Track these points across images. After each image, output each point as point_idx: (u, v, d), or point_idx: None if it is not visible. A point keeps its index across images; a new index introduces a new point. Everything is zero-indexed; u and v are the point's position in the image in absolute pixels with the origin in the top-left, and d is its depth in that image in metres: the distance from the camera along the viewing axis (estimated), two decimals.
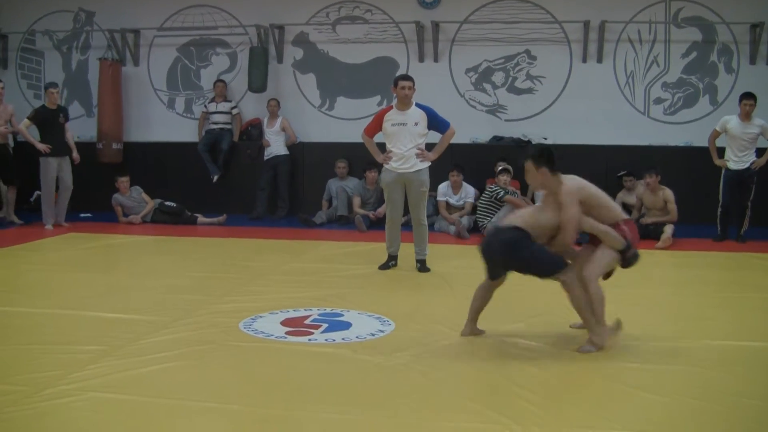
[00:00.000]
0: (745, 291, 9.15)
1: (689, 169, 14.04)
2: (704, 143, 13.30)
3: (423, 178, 9.95)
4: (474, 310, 7.10)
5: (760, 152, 12.71)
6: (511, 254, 6.48)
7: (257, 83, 15.31)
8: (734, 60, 14.75)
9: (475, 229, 13.16)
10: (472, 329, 7.05)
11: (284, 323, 7.47)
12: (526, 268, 6.57)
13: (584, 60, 14.96)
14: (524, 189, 14.09)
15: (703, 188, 13.52)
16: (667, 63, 14.91)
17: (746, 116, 12.52)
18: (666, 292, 9.14)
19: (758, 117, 12.59)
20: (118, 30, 16.06)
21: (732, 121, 12.64)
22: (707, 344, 6.87)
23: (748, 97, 12.51)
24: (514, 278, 6.77)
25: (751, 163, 12.67)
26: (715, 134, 12.83)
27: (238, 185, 15.48)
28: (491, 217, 12.88)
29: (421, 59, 15.21)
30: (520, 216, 6.69)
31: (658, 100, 14.95)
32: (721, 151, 12.84)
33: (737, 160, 12.69)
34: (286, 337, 7.01)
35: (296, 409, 5.30)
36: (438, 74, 15.10)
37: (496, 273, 6.77)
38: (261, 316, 7.68)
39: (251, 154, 15.33)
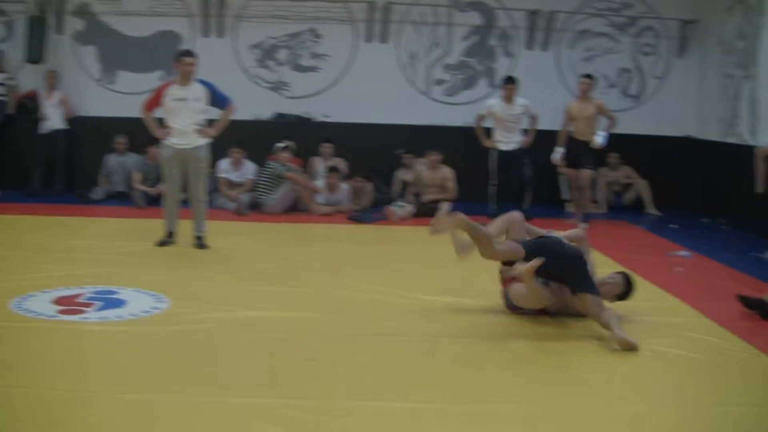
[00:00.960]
0: None
1: (468, 149, 14.00)
2: None
3: (201, 154, 9.90)
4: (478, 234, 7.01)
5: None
6: (576, 261, 6.95)
7: (34, 54, 14.75)
8: (512, 44, 15.26)
9: (255, 206, 13.06)
10: (464, 246, 7.15)
11: (56, 302, 7.29)
12: (573, 276, 6.95)
13: (368, 40, 15.11)
14: (305, 167, 14.10)
15: (481, 167, 13.62)
16: (449, 45, 15.23)
17: (508, 99, 13.00)
18: (449, 268, 8.84)
19: (521, 98, 13.13)
20: None
21: (496, 105, 13.11)
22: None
23: (510, 81, 13.05)
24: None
25: (519, 144, 13.17)
26: (480, 118, 13.26)
27: (12, 159, 14.73)
28: (271, 194, 12.86)
29: (206, 34, 14.96)
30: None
31: (439, 81, 15.25)
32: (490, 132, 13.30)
33: (506, 141, 13.14)
34: (57, 316, 6.85)
35: (77, 390, 5.22)
36: (222, 50, 14.86)
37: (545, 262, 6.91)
38: (33, 295, 7.45)
39: (27, 128, 14.66)
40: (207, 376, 5.54)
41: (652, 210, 14.50)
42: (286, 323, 6.84)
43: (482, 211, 12.74)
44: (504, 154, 13.14)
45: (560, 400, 5.46)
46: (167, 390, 5.25)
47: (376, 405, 5.16)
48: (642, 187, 14.68)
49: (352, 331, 6.71)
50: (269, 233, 11.30)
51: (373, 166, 14.17)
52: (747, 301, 7.80)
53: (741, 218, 13.08)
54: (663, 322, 7.19)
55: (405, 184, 14.07)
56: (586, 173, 12.77)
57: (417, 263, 9.50)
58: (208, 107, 9.86)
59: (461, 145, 14.18)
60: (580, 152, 12.74)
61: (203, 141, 9.86)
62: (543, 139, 13.17)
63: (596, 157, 13.08)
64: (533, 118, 13.21)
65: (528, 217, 11.59)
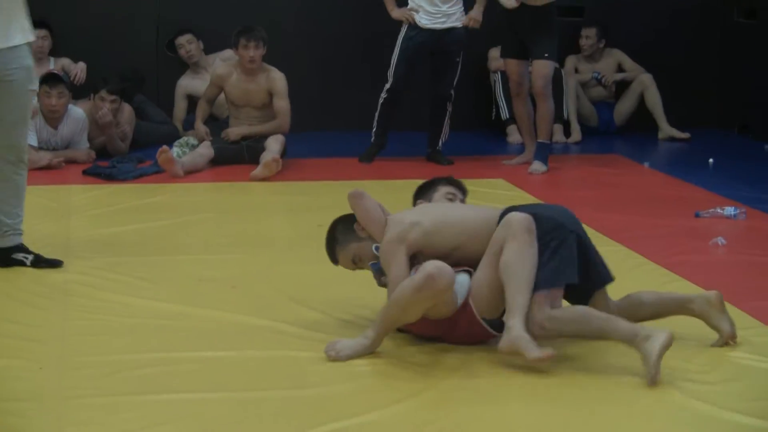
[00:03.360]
0: None
1: (324, 33, 9.60)
2: None
3: None
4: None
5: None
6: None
7: None
8: None
9: None
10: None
11: None
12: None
13: None
14: None
15: (346, 69, 9.51)
16: None
17: None
18: (265, 261, 6.01)
19: None
20: None
21: None
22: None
23: None
24: None
25: (462, 21, 9.23)
26: None
27: None
28: None
29: None
30: None
31: None
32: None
33: (435, 11, 9.32)
34: None
35: None
36: None
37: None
38: None
39: None
40: None
41: (668, 130, 10.20)
42: None
43: (354, 148, 9.02)
44: (424, 36, 8.99)
45: None
46: None
47: None
48: (647, 88, 10.20)
49: (102, 392, 4.12)
50: None
51: (133, 71, 9.55)
52: None
53: None
54: (695, 336, 4.61)
55: (193, 102, 9.55)
56: (542, 66, 8.65)
57: (212, 254, 6.44)
58: None
59: (309, 26, 9.80)
60: (526, 28, 8.61)
61: None
62: None
63: (555, 36, 8.81)
64: None
65: (448, 162, 9.07)
